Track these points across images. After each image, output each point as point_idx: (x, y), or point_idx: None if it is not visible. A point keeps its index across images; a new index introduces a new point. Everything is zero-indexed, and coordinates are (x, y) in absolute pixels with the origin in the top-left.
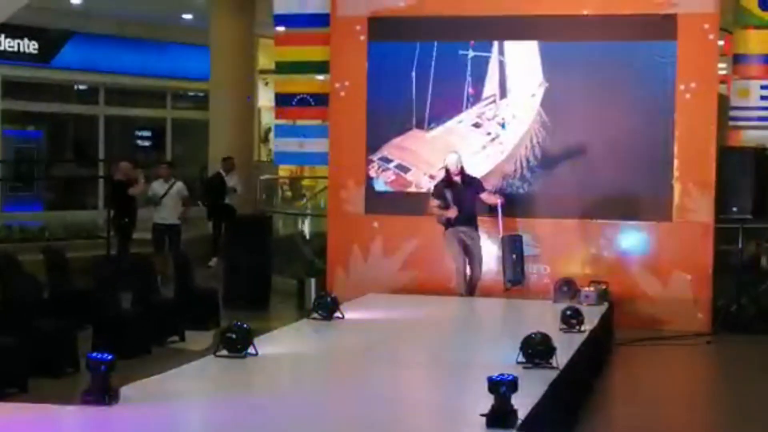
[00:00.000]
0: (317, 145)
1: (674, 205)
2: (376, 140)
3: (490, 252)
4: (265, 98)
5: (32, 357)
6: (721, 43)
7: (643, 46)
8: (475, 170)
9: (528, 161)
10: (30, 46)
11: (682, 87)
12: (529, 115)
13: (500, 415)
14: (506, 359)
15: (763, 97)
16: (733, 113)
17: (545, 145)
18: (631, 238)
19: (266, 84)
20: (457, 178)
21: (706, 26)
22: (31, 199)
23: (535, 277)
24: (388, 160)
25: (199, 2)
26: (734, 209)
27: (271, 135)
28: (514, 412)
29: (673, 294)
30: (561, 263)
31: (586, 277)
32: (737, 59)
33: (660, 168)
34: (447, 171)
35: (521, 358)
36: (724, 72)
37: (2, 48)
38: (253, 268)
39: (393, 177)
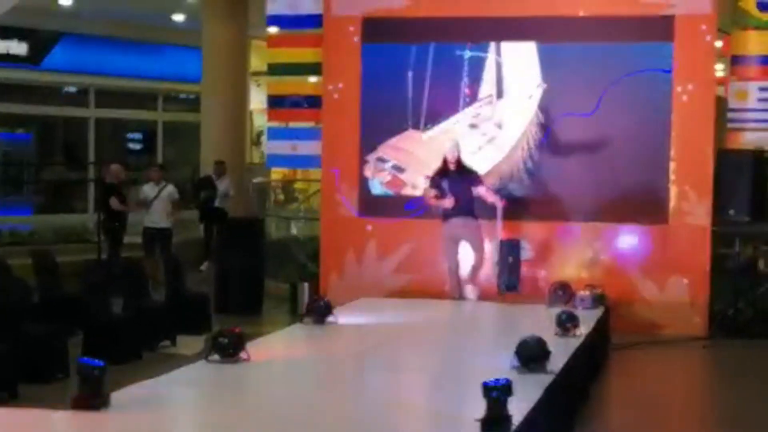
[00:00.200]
0: (310, 148)
1: (671, 208)
2: (370, 142)
3: (486, 253)
4: (257, 100)
5: (22, 362)
6: (718, 44)
7: (640, 47)
8: None
9: (524, 163)
10: (19, 48)
11: (679, 89)
12: (526, 117)
13: (495, 420)
14: (501, 364)
15: (760, 99)
16: (730, 115)
17: (542, 147)
18: (628, 242)
19: (258, 86)
20: (454, 168)
21: (704, 27)
22: (20, 202)
23: (531, 281)
24: (384, 161)
25: (191, 4)
26: (731, 212)
27: (264, 137)
28: (509, 417)
29: (669, 298)
30: (556, 267)
31: (581, 281)
32: (735, 61)
33: (657, 170)
34: (444, 160)
35: (516, 363)
36: (721, 73)
37: None
38: (245, 272)
39: (389, 177)
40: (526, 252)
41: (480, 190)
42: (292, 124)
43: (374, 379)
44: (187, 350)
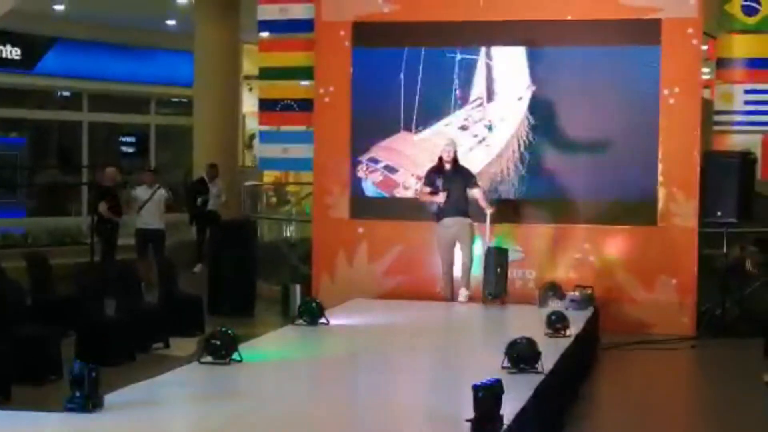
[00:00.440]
0: (302, 151)
1: (659, 210)
2: (361, 145)
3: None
4: (249, 104)
5: (15, 364)
6: (704, 47)
7: (627, 50)
8: None
9: (515, 165)
10: (12, 53)
11: (665, 92)
12: (516, 119)
13: (485, 420)
14: (491, 364)
15: (746, 102)
16: (716, 117)
17: (532, 149)
18: (616, 243)
19: (250, 90)
20: (449, 166)
21: (690, 31)
22: (14, 205)
23: (521, 282)
24: (376, 161)
25: (184, 8)
26: (719, 213)
27: (256, 141)
28: (500, 418)
29: (658, 298)
30: (546, 268)
31: (571, 282)
32: (721, 64)
33: (644, 172)
34: (440, 158)
35: (506, 363)
36: (707, 76)
37: None
38: (237, 274)
39: (381, 178)
40: (517, 253)
41: (474, 192)
42: (283, 128)
43: (366, 380)
44: (180, 352)
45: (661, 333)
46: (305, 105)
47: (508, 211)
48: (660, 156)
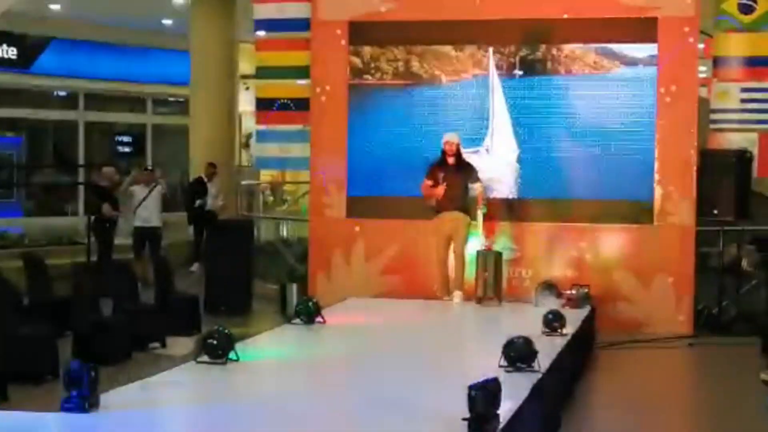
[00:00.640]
0: (298, 150)
1: (656, 208)
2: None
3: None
4: (245, 103)
5: (12, 364)
6: (701, 46)
7: (624, 49)
8: None
9: (511, 163)
10: (9, 52)
11: (662, 90)
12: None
13: (482, 419)
14: (488, 363)
15: (743, 100)
16: (713, 116)
17: (528, 148)
18: (613, 241)
19: (247, 89)
20: (452, 160)
21: (687, 29)
22: (10, 205)
23: (517, 281)
24: None
25: (180, 7)
26: (715, 212)
27: (252, 140)
28: (496, 417)
29: (654, 297)
30: (543, 266)
31: (568, 281)
32: (717, 62)
33: (641, 171)
34: (443, 151)
35: (503, 362)
36: (704, 75)
37: None
38: (234, 274)
39: None
40: (513, 252)
41: (476, 187)
42: (280, 127)
43: (363, 379)
44: (176, 351)
45: (658, 332)
46: (302, 104)
47: (504, 210)
48: (656, 154)
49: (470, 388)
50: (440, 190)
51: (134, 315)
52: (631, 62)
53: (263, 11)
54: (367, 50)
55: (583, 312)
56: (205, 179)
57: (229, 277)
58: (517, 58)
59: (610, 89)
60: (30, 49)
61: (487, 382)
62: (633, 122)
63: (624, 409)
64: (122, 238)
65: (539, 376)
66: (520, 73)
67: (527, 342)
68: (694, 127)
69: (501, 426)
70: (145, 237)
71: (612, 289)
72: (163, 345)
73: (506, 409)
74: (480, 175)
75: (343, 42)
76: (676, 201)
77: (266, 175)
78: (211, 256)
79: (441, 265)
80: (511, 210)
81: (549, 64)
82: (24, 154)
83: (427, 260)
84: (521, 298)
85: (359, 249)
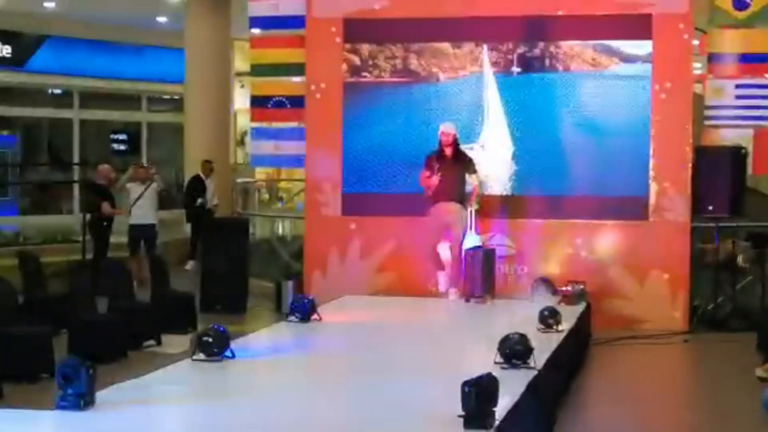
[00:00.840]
0: (294, 148)
1: (651, 205)
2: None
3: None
4: (241, 101)
5: (7, 362)
6: (695, 42)
7: (622, 46)
8: None
9: (507, 160)
10: (3, 50)
11: (657, 87)
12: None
13: (478, 416)
14: (484, 360)
15: (737, 96)
16: (708, 112)
17: (523, 144)
18: (608, 238)
19: (242, 86)
20: (449, 151)
21: (681, 26)
22: (6, 203)
23: (513, 277)
24: None
25: (174, 5)
26: (710, 208)
27: (248, 138)
28: (492, 413)
29: (650, 293)
30: (538, 263)
31: (563, 277)
32: (712, 59)
33: (636, 167)
34: (440, 142)
35: (499, 359)
36: (699, 71)
37: None
38: (230, 271)
39: None
40: (508, 248)
41: (472, 180)
42: (275, 124)
43: (359, 377)
44: (172, 349)
45: (654, 328)
46: (297, 101)
47: (499, 207)
48: (651, 151)
49: (464, 384)
50: (435, 179)
51: (130, 313)
52: (630, 59)
53: (258, 8)
54: (365, 48)
55: (579, 308)
56: (203, 177)
57: (224, 275)
58: (515, 56)
59: (607, 86)
60: (25, 47)
61: (480, 378)
62: (629, 119)
63: (620, 406)
64: (117, 236)
65: (535, 372)
66: (518, 70)
67: (523, 339)
68: (689, 124)
69: (497, 423)
70: (141, 235)
71: (608, 285)
72: (159, 343)
73: (502, 405)
74: (478, 173)
75: (338, 39)
76: (671, 197)
77: (261, 173)
78: (206, 254)
79: (433, 254)
80: (506, 207)
81: (547, 61)
82: (19, 152)
83: (423, 258)
84: (517, 294)
85: (355, 246)
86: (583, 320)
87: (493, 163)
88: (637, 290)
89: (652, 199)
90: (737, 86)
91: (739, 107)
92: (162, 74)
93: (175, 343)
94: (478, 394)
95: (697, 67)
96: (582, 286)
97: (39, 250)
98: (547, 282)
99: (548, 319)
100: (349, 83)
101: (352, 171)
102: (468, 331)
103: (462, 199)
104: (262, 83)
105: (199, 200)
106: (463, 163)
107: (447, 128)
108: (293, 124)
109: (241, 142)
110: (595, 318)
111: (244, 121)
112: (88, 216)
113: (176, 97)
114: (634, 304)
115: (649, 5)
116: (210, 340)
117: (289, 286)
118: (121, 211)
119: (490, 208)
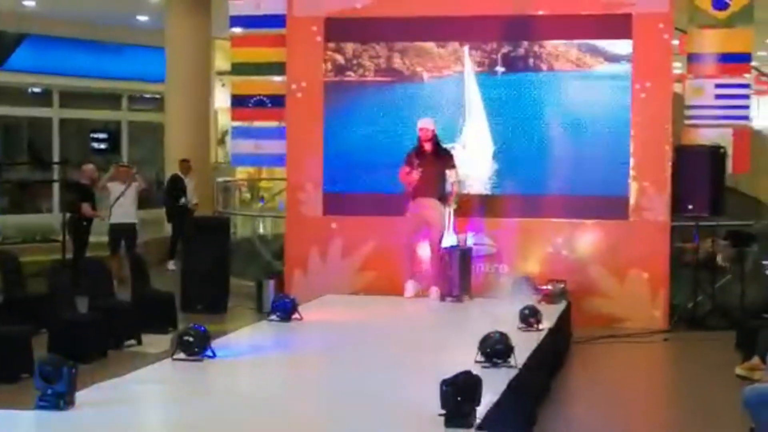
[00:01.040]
0: (274, 147)
1: (630, 204)
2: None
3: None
4: (221, 100)
5: None
6: (675, 42)
7: (606, 45)
8: None
9: (487, 159)
10: None
11: (637, 86)
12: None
13: (458, 414)
14: (465, 359)
15: (717, 96)
16: (688, 112)
17: (503, 143)
18: (589, 237)
19: (223, 85)
20: (428, 146)
21: (661, 26)
22: None
23: (493, 276)
24: None
25: (155, 4)
26: (690, 207)
27: (228, 137)
28: (473, 412)
29: (630, 292)
30: (519, 262)
31: (543, 276)
32: (692, 58)
33: (616, 167)
34: (419, 138)
35: (480, 358)
36: (679, 71)
37: None
38: (210, 271)
39: None
40: (488, 247)
41: (450, 180)
42: (256, 123)
43: (340, 376)
44: (152, 349)
45: (634, 326)
46: (278, 101)
47: (480, 206)
48: (631, 150)
49: (442, 383)
50: (415, 175)
51: (110, 312)
52: (614, 59)
53: (239, 7)
54: (350, 47)
55: (560, 307)
56: (182, 175)
57: (205, 275)
58: (500, 55)
59: (589, 86)
60: (3, 46)
61: (457, 377)
62: (610, 118)
63: (600, 404)
64: (98, 236)
65: (515, 371)
66: (503, 69)
67: (503, 337)
68: (668, 123)
69: (477, 421)
70: (121, 234)
71: (588, 284)
72: (139, 342)
73: (483, 404)
74: (457, 170)
75: (319, 38)
76: (651, 196)
77: (242, 172)
78: (187, 254)
79: (409, 252)
80: (487, 205)
81: (531, 61)
82: None
83: (400, 255)
84: (498, 293)
85: (336, 246)
86: (564, 319)
87: (474, 163)
88: (617, 289)
89: (632, 199)
90: (717, 86)
91: (719, 107)
92: (142, 73)
93: (155, 342)
94: (457, 392)
95: (677, 67)
96: (562, 285)
97: (18, 250)
98: (528, 281)
99: (529, 317)
100: (330, 82)
101: (333, 170)
102: (449, 330)
103: (442, 195)
104: (242, 82)
105: (182, 200)
106: (443, 158)
107: (425, 123)
108: (274, 124)
109: (222, 141)
110: (576, 317)
111: (224, 120)
112: (68, 215)
113: (157, 96)
114: (614, 303)
115: (629, 5)
116: (191, 339)
117: (270, 285)
118: (101, 213)
119: (471, 207)
